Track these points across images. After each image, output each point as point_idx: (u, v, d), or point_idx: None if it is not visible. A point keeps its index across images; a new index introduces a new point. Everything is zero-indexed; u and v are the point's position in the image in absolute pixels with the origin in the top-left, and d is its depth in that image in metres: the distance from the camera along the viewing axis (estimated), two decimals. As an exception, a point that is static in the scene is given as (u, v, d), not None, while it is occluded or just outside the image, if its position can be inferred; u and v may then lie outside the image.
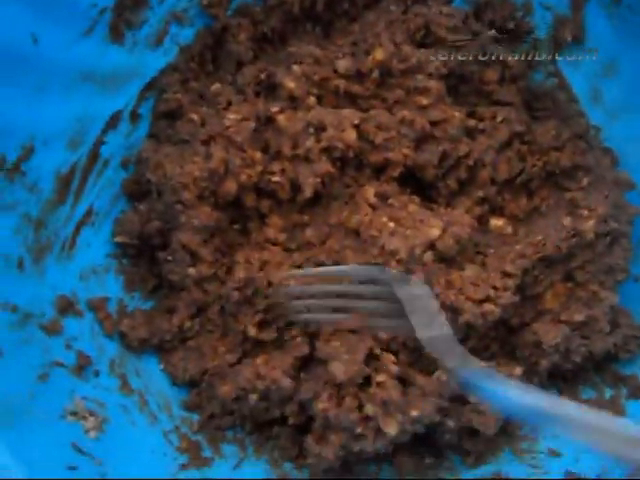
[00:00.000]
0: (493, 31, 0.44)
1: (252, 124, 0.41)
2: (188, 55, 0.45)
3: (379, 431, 0.37)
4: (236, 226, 0.43)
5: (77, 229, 0.40)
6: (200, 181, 0.39)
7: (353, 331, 0.40)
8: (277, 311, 0.40)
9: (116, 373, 0.38)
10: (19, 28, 0.35)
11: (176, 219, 0.40)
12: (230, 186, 0.39)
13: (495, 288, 0.40)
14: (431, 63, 0.42)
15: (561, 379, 0.43)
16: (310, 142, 0.40)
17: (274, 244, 0.42)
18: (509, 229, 0.45)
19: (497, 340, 0.43)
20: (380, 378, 0.38)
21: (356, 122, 0.40)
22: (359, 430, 0.37)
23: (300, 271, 0.40)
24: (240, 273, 0.39)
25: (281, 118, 0.40)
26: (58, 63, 0.38)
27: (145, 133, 0.45)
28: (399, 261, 0.39)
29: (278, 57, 0.45)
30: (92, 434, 0.32)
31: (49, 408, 0.32)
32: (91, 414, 0.33)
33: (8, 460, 0.27)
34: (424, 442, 0.40)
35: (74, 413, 0.32)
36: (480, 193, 0.44)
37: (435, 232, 0.40)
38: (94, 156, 0.42)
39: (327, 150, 0.40)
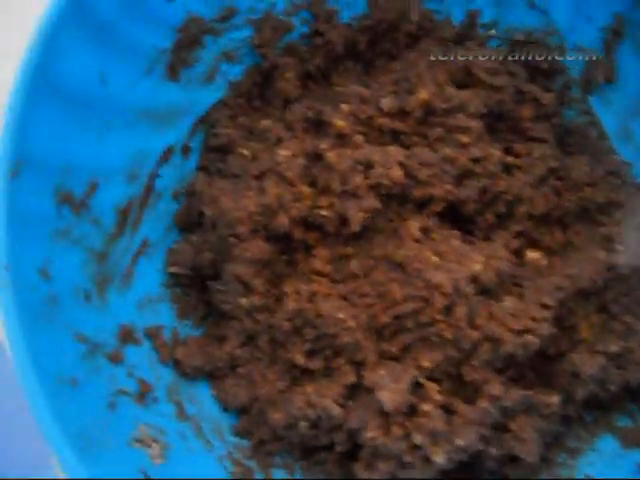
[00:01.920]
0: None
1: (302, 160, 0.42)
2: (237, 91, 0.47)
3: (427, 460, 0.38)
4: (284, 257, 0.44)
5: (134, 260, 0.42)
6: (255, 215, 0.41)
7: (397, 360, 0.42)
8: (325, 341, 0.41)
9: (173, 400, 0.39)
10: (90, 69, 0.37)
11: (229, 251, 0.41)
12: (282, 220, 0.41)
13: (534, 319, 0.42)
14: (472, 103, 0.44)
15: (596, 407, 0.45)
16: (359, 179, 0.41)
17: (321, 275, 0.44)
18: (545, 262, 0.46)
19: (534, 369, 0.44)
20: (425, 407, 0.39)
21: (401, 160, 0.42)
22: (408, 459, 0.38)
23: None
24: (291, 304, 0.41)
25: (330, 155, 0.42)
26: (121, 102, 0.40)
27: (195, 165, 0.47)
28: (444, 294, 0.40)
29: (324, 95, 0.47)
30: (157, 461, 0.34)
31: (120, 436, 0.33)
32: (154, 441, 0.35)
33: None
34: (466, 469, 0.41)
35: (140, 440, 0.34)
36: (517, 227, 0.46)
37: (477, 266, 0.42)
38: (149, 189, 0.43)
39: (374, 187, 0.42)
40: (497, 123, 0.47)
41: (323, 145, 0.43)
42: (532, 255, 0.46)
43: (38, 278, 0.33)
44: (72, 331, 0.34)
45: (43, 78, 0.33)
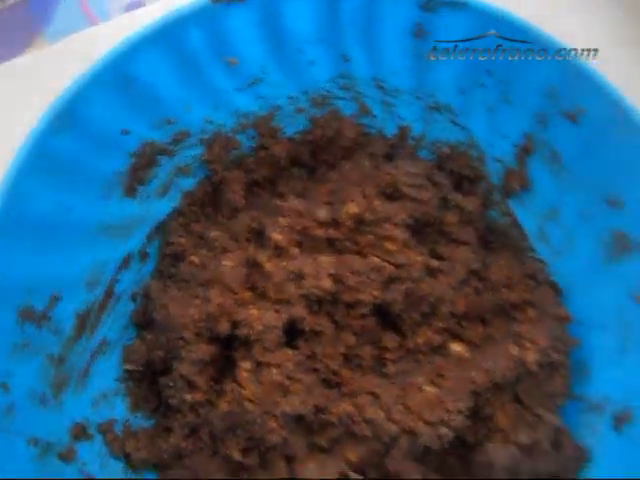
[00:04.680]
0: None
1: (244, 270, 0.48)
2: (190, 200, 0.53)
3: None
4: (225, 353, 0.49)
5: (92, 359, 0.46)
6: (199, 322, 0.46)
7: (327, 452, 0.46)
8: (256, 440, 0.45)
9: (121, 493, 0.44)
10: (52, 201, 0.42)
11: (177, 352, 0.46)
12: (224, 326, 0.46)
13: (448, 411, 0.46)
14: (398, 215, 0.50)
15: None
16: (292, 288, 0.46)
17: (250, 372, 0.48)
18: (467, 354, 0.51)
19: (455, 455, 0.49)
20: (349, 500, 0.44)
21: (331, 271, 0.47)
22: None
23: None
24: (224, 407, 0.45)
25: (268, 266, 0.47)
26: (82, 223, 0.45)
27: (152, 268, 0.52)
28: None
29: (268, 204, 0.53)
30: None
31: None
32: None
33: None
34: None
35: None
36: (441, 324, 0.51)
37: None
38: (109, 294, 0.49)
39: (306, 295, 0.47)
40: (424, 228, 0.53)
41: (262, 256, 0.48)
42: (455, 348, 0.51)
43: (-3, 393, 0.37)
44: (26, 436, 0.39)
45: (7, 219, 0.38)
